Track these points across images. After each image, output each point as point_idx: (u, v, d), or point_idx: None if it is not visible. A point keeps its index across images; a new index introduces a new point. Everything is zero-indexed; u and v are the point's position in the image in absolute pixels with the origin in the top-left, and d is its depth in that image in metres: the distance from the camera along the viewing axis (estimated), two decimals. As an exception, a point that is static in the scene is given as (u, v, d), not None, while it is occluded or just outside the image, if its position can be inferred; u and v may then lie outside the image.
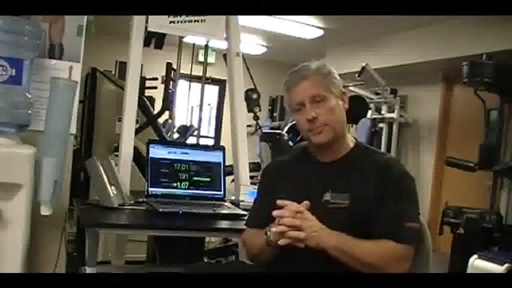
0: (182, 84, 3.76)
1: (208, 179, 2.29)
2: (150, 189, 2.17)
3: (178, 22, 2.44)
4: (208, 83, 4.26)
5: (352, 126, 5.02)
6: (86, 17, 2.35)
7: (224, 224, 2.08)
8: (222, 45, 2.74)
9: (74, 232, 3.08)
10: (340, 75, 1.59)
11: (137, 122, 2.70)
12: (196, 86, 3.80)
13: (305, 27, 5.11)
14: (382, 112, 5.34)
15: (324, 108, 1.49)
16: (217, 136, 7.36)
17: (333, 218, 1.42)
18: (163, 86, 3.71)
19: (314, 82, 1.50)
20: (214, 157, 2.33)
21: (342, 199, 1.45)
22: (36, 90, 2.17)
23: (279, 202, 1.41)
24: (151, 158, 2.20)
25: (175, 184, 2.22)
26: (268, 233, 1.45)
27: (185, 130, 3.84)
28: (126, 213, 2.03)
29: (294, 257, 1.44)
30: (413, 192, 1.50)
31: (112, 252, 2.61)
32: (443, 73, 5.16)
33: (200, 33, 2.60)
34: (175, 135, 3.76)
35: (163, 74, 3.71)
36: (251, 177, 2.63)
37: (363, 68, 4.79)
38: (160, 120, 3.77)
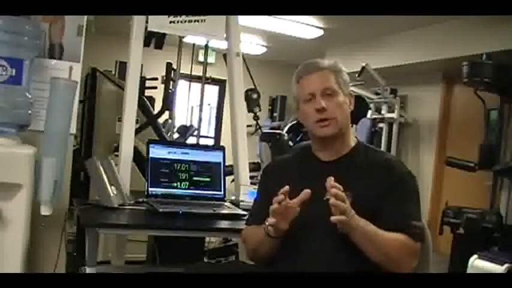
0: (182, 84, 3.75)
1: (208, 179, 2.29)
2: (150, 189, 2.17)
3: (178, 22, 2.44)
4: (208, 83, 4.26)
5: (352, 126, 5.01)
6: (86, 17, 2.35)
7: (224, 224, 2.08)
8: (222, 45, 2.74)
9: (74, 232, 3.07)
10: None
11: (137, 122, 2.70)
12: (196, 86, 3.80)
13: (305, 27, 5.10)
14: (382, 112, 5.34)
15: (333, 102, 1.51)
16: (217, 136, 7.36)
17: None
18: (163, 86, 3.71)
19: (327, 75, 1.53)
20: (214, 157, 2.33)
21: None
22: (36, 90, 2.17)
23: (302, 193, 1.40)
24: (151, 158, 2.20)
25: (175, 184, 2.22)
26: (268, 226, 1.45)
27: (185, 130, 3.84)
28: (126, 213, 2.03)
29: (294, 255, 1.45)
30: (416, 191, 1.51)
31: (112, 252, 2.61)
32: (443, 73, 5.16)
33: (200, 33, 2.60)
34: (175, 135, 3.76)
35: (163, 74, 3.71)
36: (251, 177, 2.63)
37: (363, 68, 4.79)
38: (160, 120, 3.77)
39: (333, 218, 1.33)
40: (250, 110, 2.85)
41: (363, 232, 1.37)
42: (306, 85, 1.54)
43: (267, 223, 1.46)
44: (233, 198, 2.44)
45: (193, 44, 3.91)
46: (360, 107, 4.74)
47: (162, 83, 3.76)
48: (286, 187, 1.40)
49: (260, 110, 2.94)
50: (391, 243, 1.39)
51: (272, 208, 1.40)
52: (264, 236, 1.48)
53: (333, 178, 1.35)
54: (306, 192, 1.40)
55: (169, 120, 3.83)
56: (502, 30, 3.83)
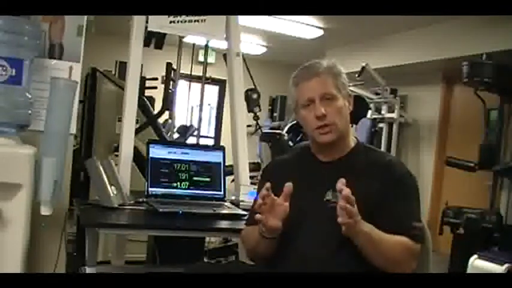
0: (182, 84, 3.76)
1: (208, 179, 2.29)
2: (150, 189, 2.16)
3: (178, 22, 2.44)
4: (208, 83, 4.26)
5: (352, 126, 5.02)
6: (86, 17, 2.35)
7: (224, 224, 2.08)
8: (222, 45, 2.74)
9: (74, 232, 3.08)
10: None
11: (137, 122, 2.70)
12: (196, 86, 3.81)
13: (305, 27, 5.11)
14: (382, 112, 5.34)
15: (333, 107, 1.49)
16: (217, 136, 7.36)
17: (334, 217, 1.41)
18: (163, 86, 3.72)
19: (325, 80, 1.51)
20: (214, 157, 2.33)
21: None
22: (36, 90, 2.16)
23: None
24: (151, 158, 2.20)
25: (175, 184, 2.22)
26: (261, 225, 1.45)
27: (185, 130, 3.85)
28: (126, 213, 2.03)
29: (294, 256, 1.45)
30: (417, 192, 1.51)
31: (112, 252, 2.61)
32: (443, 73, 5.16)
33: (200, 33, 2.60)
34: (175, 135, 3.76)
35: (163, 74, 3.71)
36: (251, 177, 2.62)
37: (363, 68, 4.79)
38: (160, 120, 3.77)
39: (340, 220, 1.31)
40: (250, 110, 2.85)
41: (367, 237, 1.36)
42: (304, 90, 1.52)
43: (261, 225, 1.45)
44: (233, 198, 2.44)
45: (193, 44, 3.91)
46: (360, 107, 4.74)
47: (162, 83, 3.77)
48: (289, 184, 1.40)
49: (260, 110, 2.94)
50: (394, 247, 1.39)
51: (257, 204, 1.40)
52: (259, 237, 1.48)
53: (344, 180, 1.32)
54: (288, 185, 1.40)
55: (169, 120, 3.83)
56: (502, 30, 3.82)
